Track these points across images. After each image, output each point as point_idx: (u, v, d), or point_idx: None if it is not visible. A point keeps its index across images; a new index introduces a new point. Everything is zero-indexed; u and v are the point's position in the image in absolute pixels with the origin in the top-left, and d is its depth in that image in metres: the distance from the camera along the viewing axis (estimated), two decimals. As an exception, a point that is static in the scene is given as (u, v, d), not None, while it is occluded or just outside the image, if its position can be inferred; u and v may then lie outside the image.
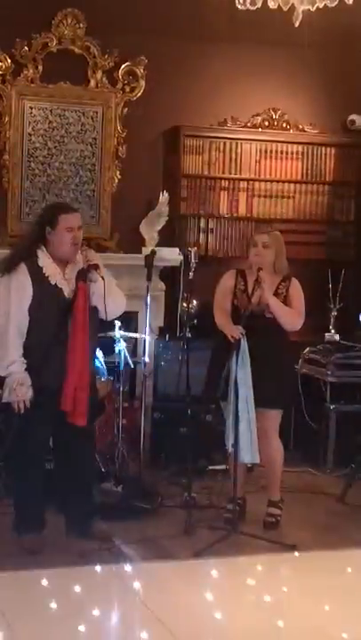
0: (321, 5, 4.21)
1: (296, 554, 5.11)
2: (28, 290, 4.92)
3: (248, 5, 4.17)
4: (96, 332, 5.21)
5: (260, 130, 7.57)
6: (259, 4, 4.17)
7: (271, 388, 5.37)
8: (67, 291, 4.97)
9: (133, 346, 6.67)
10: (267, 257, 5.47)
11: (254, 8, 4.19)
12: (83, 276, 4.94)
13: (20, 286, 4.92)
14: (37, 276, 4.94)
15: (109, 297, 4.98)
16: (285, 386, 5.66)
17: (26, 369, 4.91)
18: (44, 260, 4.97)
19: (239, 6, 4.23)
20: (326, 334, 7.22)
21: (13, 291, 4.93)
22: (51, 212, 5.11)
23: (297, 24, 4.31)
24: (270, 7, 4.20)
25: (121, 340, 6.18)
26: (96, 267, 4.94)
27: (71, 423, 4.93)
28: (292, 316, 5.50)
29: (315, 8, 4.23)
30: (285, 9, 4.24)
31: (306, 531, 5.49)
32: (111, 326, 6.16)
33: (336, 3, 4.14)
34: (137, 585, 4.58)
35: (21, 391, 4.86)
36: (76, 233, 5.00)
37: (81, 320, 4.89)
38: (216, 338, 5.60)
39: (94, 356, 5.23)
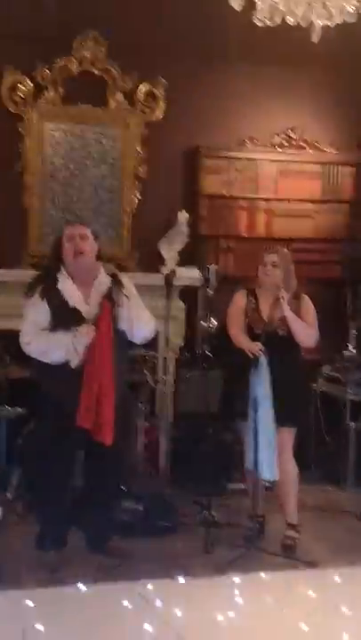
0: (340, 21, 4.23)
1: (316, 571, 5.09)
2: (44, 314, 4.93)
3: (267, 21, 4.19)
4: (123, 351, 5.16)
5: (278, 150, 7.61)
6: (278, 20, 4.19)
7: (286, 405, 5.36)
8: (86, 313, 4.94)
9: (154, 364, 6.68)
10: (276, 276, 5.49)
11: (273, 24, 4.21)
12: (108, 295, 4.94)
13: (35, 311, 4.95)
14: (55, 299, 4.94)
15: (137, 322, 4.97)
16: (300, 403, 5.65)
17: (49, 387, 4.94)
18: (64, 282, 4.97)
19: (258, 22, 4.24)
20: (346, 352, 7.20)
21: (31, 315, 4.97)
22: (60, 232, 5.13)
23: (315, 40, 4.33)
24: (289, 23, 4.22)
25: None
26: (120, 284, 4.93)
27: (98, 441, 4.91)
28: (308, 332, 5.52)
29: (333, 24, 4.26)
30: (304, 25, 4.26)
31: (326, 548, 5.47)
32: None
33: (355, 20, 4.16)
34: (157, 602, 4.56)
35: (83, 334, 4.83)
36: (78, 242, 4.95)
37: (102, 337, 4.86)
38: (230, 357, 5.62)
39: (124, 376, 5.17)
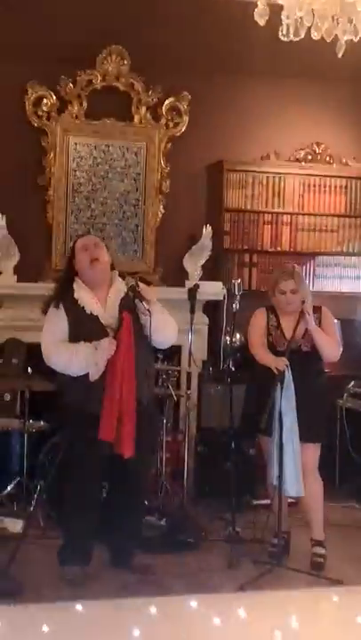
0: (365, 36, 4.22)
1: (342, 589, 5.03)
2: (62, 323, 4.96)
3: (291, 36, 4.18)
4: (149, 361, 5.17)
5: (303, 164, 7.60)
6: (302, 35, 4.18)
7: (310, 421, 5.32)
8: (105, 318, 4.97)
9: (177, 379, 6.66)
10: (298, 300, 5.46)
11: (297, 39, 4.20)
12: (126, 303, 4.94)
13: (53, 323, 4.98)
14: (72, 307, 4.98)
15: (161, 328, 4.97)
16: (324, 419, 5.60)
17: (72, 398, 4.92)
18: (80, 291, 5.02)
19: (282, 37, 4.22)
20: (371, 368, 7.17)
21: (49, 327, 5.01)
22: (72, 246, 5.24)
23: (340, 55, 4.31)
24: (313, 38, 4.21)
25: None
26: (140, 296, 4.92)
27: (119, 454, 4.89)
28: (333, 346, 5.50)
29: (358, 38, 4.24)
30: (329, 40, 4.24)
31: (351, 566, 5.40)
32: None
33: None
34: (179, 618, 4.52)
35: (104, 347, 4.83)
36: (93, 250, 5.04)
37: (123, 350, 4.85)
38: (254, 372, 5.59)
39: (148, 386, 5.14)
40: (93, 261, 5.02)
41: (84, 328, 4.95)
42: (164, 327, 5.02)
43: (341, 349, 5.57)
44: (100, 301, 5.02)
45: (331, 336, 5.51)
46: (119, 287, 5.03)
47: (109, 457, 4.94)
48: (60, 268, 6.84)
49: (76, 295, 5.01)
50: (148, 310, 4.88)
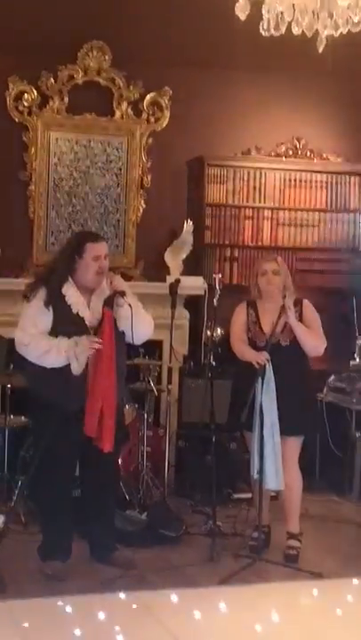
0: (345, 31, 4.22)
1: (321, 582, 5.06)
2: (46, 316, 4.92)
3: (272, 31, 4.18)
4: (123, 357, 5.18)
5: (284, 159, 7.61)
6: (283, 30, 4.19)
7: (291, 415, 5.34)
8: (89, 319, 4.96)
9: (158, 373, 6.67)
10: (278, 284, 5.48)
11: (278, 34, 4.20)
12: (109, 303, 4.94)
13: (38, 312, 4.92)
14: (59, 303, 4.94)
15: (137, 322, 4.95)
16: (305, 414, 5.61)
17: (50, 394, 4.90)
18: (69, 288, 4.97)
19: (263, 32, 4.23)
20: (351, 362, 7.18)
21: (32, 316, 4.94)
22: (78, 241, 5.12)
23: (320, 49, 4.31)
24: (294, 33, 4.21)
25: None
26: (122, 293, 4.93)
27: (96, 449, 4.89)
28: (315, 340, 5.49)
29: (338, 33, 4.25)
30: (309, 35, 4.24)
31: (331, 559, 5.44)
32: (136, 354, 6.21)
33: (360, 28, 4.15)
34: (161, 612, 4.53)
35: (84, 344, 4.81)
36: (102, 262, 5.00)
37: (105, 347, 4.85)
38: (236, 367, 5.60)
39: (121, 382, 5.16)
40: (100, 274, 4.98)
41: (67, 327, 4.91)
42: (141, 321, 5.00)
43: (325, 343, 5.56)
44: (86, 301, 5.00)
45: (313, 329, 5.50)
46: (104, 287, 5.01)
47: (83, 450, 4.97)
48: (42, 264, 6.87)
49: (64, 291, 4.96)
50: (129, 304, 4.88)
